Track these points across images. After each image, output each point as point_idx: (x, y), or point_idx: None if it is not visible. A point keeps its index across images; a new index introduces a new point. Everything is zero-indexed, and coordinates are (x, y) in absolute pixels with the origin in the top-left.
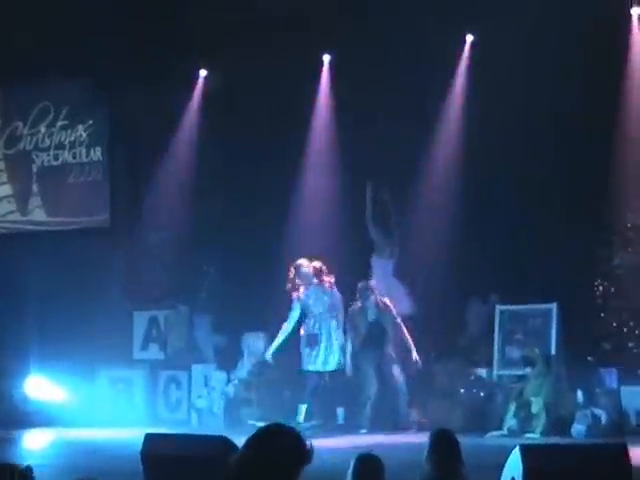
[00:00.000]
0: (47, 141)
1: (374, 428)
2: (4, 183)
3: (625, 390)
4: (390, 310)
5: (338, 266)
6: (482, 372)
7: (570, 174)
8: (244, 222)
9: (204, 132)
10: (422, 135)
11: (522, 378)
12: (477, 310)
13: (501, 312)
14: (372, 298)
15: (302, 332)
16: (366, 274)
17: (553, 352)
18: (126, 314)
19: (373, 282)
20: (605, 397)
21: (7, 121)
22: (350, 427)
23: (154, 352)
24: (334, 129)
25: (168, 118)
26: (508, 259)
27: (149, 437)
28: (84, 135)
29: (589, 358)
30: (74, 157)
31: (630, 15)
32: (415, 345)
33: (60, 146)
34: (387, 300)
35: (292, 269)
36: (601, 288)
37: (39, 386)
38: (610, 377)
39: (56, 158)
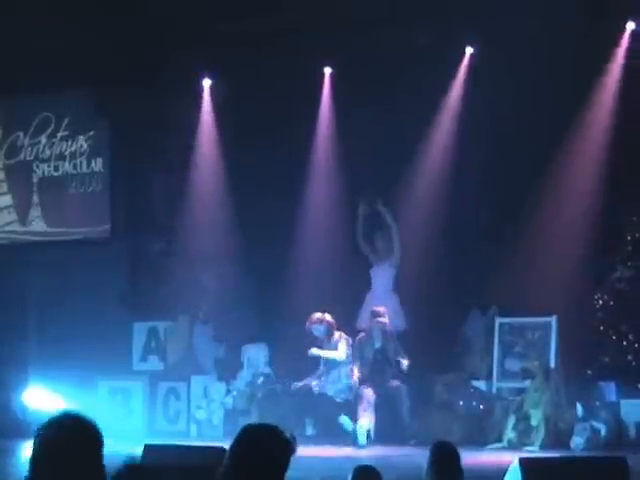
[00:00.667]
0: (48, 152)
1: (376, 441)
2: (4, 193)
3: (624, 403)
4: (392, 333)
5: (342, 277)
6: (481, 384)
7: (569, 187)
8: (245, 233)
9: (206, 143)
10: (420, 147)
11: (521, 391)
12: (476, 322)
13: (501, 325)
14: (380, 326)
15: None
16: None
17: (552, 365)
18: (126, 325)
19: (383, 309)
20: (604, 410)
21: (8, 131)
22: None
23: (154, 363)
24: (336, 141)
25: (169, 129)
26: (508, 271)
27: (148, 448)
28: (85, 146)
29: (588, 371)
30: (75, 168)
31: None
32: (413, 357)
33: (61, 157)
34: (386, 319)
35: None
36: (600, 301)
37: (38, 396)
38: (609, 390)
39: (57, 169)
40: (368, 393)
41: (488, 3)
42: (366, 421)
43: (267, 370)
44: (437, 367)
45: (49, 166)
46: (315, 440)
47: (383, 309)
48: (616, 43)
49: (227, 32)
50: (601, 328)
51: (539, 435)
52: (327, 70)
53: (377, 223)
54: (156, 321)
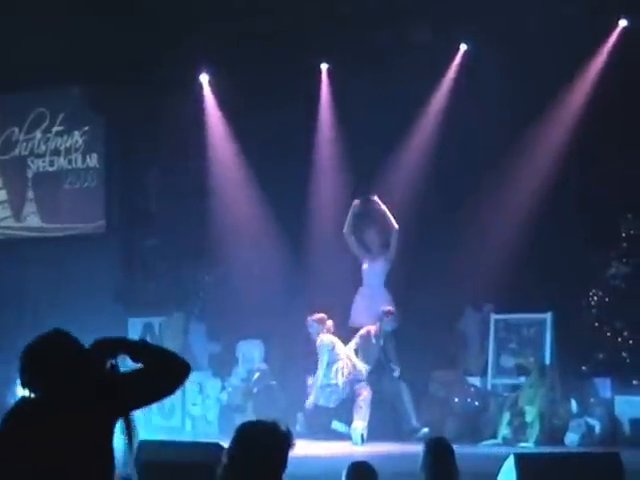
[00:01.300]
0: (43, 147)
1: (377, 437)
2: None
3: (619, 400)
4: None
5: (336, 274)
6: (476, 381)
7: (564, 184)
8: (240, 229)
9: (201, 139)
10: (415, 142)
11: (516, 387)
12: (472, 319)
13: (496, 321)
14: (390, 327)
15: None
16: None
17: (547, 361)
18: (121, 320)
19: (390, 308)
20: (599, 407)
21: (3, 126)
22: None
23: None
24: (337, 137)
25: (164, 125)
26: (503, 268)
27: (143, 444)
28: (80, 141)
29: (583, 368)
30: (70, 163)
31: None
32: (407, 354)
33: (56, 152)
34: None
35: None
36: (595, 298)
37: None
38: (604, 387)
39: (52, 164)
40: (365, 391)
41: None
42: (360, 423)
43: (262, 366)
44: (432, 364)
45: (44, 161)
46: (305, 436)
47: (392, 309)
48: (605, 39)
49: (222, 28)
50: (596, 325)
51: (534, 431)
52: (324, 66)
53: (372, 217)
54: (151, 317)
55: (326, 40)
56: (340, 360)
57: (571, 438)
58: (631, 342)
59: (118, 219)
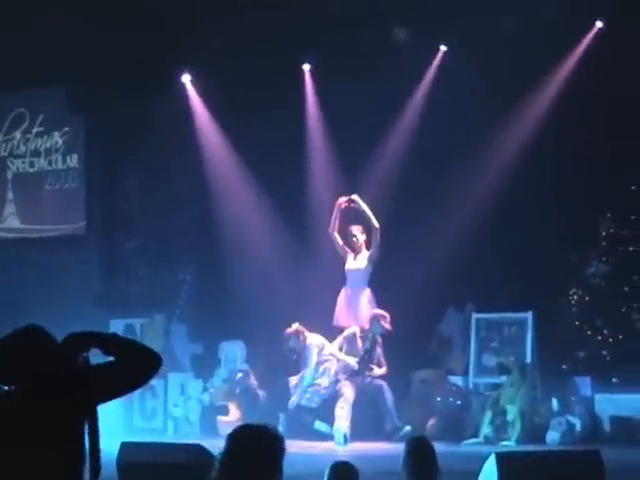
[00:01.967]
0: (22, 148)
1: (359, 437)
2: None
3: (599, 398)
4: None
5: (317, 273)
6: (458, 380)
7: (543, 183)
8: (221, 230)
9: (183, 140)
10: (396, 144)
11: (498, 386)
12: (453, 318)
13: (477, 320)
14: (382, 331)
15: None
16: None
17: (528, 360)
18: (102, 322)
19: (384, 313)
20: (579, 405)
21: None
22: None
23: None
24: (324, 137)
25: (145, 125)
26: (484, 268)
27: (125, 445)
28: (60, 142)
29: (564, 366)
30: (50, 164)
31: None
32: (390, 354)
33: (36, 153)
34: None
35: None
36: (576, 297)
37: None
38: (584, 385)
39: (32, 165)
40: (347, 391)
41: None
42: (342, 422)
43: (244, 367)
44: (414, 363)
45: (24, 162)
46: (288, 436)
47: (387, 314)
48: (581, 39)
49: (204, 28)
50: (576, 323)
51: (515, 430)
52: (306, 67)
53: (354, 216)
54: (132, 318)
55: (308, 41)
56: (328, 361)
57: (552, 436)
58: (611, 340)
59: (99, 220)
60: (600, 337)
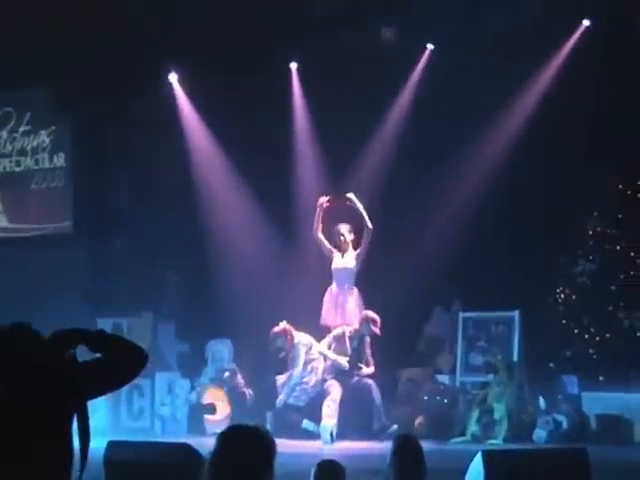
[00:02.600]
0: (9, 147)
1: (347, 435)
2: None
3: (586, 396)
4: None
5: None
6: (445, 379)
7: (531, 182)
8: (208, 229)
9: (171, 138)
10: (383, 143)
11: (485, 385)
12: (440, 317)
13: (464, 319)
14: (371, 333)
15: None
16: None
17: (515, 359)
18: (89, 321)
19: (372, 315)
20: (566, 403)
21: None
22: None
23: None
24: (311, 136)
25: (131, 124)
26: (471, 267)
27: (112, 444)
28: (47, 141)
29: (551, 365)
30: (36, 163)
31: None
32: (377, 353)
33: (22, 152)
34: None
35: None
36: (563, 295)
37: None
38: (571, 383)
39: (18, 164)
40: (335, 390)
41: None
42: (329, 421)
43: (231, 366)
44: (401, 362)
45: (10, 161)
46: (275, 435)
47: (378, 317)
48: (568, 38)
49: (191, 28)
50: (563, 322)
51: (502, 428)
52: (293, 66)
53: (346, 214)
54: (119, 317)
55: (295, 40)
56: (315, 360)
57: (539, 434)
58: (598, 339)
59: (86, 219)
60: (587, 336)
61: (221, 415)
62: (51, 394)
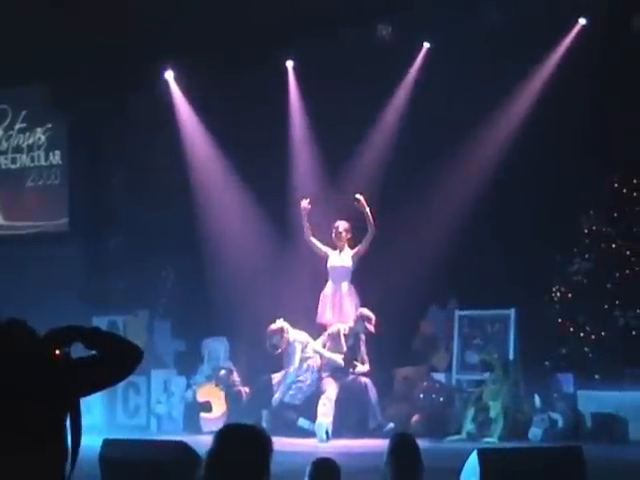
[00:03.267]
0: (5, 144)
1: (342, 433)
2: None
3: (581, 394)
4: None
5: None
6: (441, 377)
7: (527, 180)
8: (205, 227)
9: (168, 136)
10: (380, 140)
11: (481, 383)
12: (436, 315)
13: (460, 317)
14: (366, 332)
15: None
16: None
17: (511, 357)
18: (85, 319)
19: (367, 313)
20: (562, 401)
21: None
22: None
23: None
24: (308, 133)
25: (128, 122)
26: (467, 265)
27: (107, 442)
28: (43, 138)
29: (546, 363)
30: (32, 161)
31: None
32: (373, 350)
33: (18, 149)
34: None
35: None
36: (558, 294)
37: None
38: (567, 381)
39: (14, 162)
40: (330, 388)
41: None
42: (325, 419)
43: (227, 364)
44: (397, 360)
45: (6, 159)
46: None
47: (373, 316)
48: (564, 37)
49: (187, 25)
50: (559, 320)
51: (498, 426)
52: (289, 63)
53: (348, 212)
54: (115, 315)
55: (292, 38)
56: (311, 358)
57: (534, 433)
58: (593, 337)
59: (82, 217)
60: (582, 334)
61: (217, 413)
62: (46, 391)
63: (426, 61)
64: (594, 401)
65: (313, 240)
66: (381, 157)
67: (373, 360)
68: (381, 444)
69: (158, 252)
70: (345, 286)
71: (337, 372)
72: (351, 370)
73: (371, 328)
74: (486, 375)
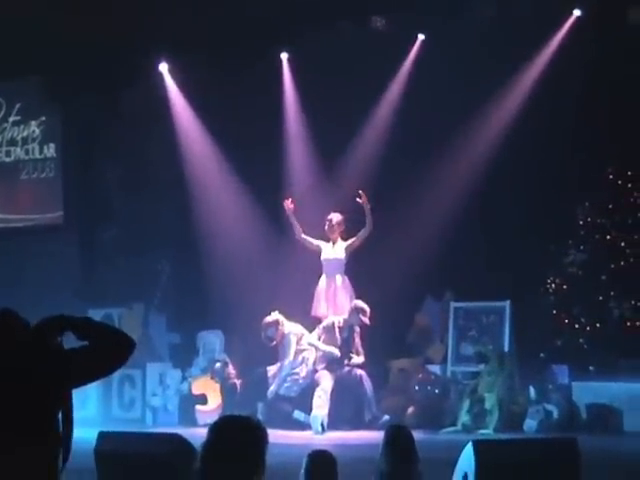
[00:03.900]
0: None
1: (338, 425)
2: None
3: (576, 386)
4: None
5: (292, 264)
6: (436, 369)
7: (522, 172)
8: (199, 220)
9: (160, 129)
10: (375, 132)
11: (476, 375)
12: (431, 307)
13: (455, 309)
14: (361, 324)
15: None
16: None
17: (506, 349)
18: (80, 312)
19: (362, 305)
20: (557, 393)
21: None
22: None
23: None
24: (302, 125)
25: (122, 114)
26: (462, 256)
27: (102, 435)
28: (37, 131)
29: (541, 354)
30: (27, 153)
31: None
32: (369, 342)
33: (12, 142)
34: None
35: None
36: (553, 285)
37: None
38: (562, 373)
39: (8, 154)
40: (325, 380)
41: None
42: (320, 411)
43: (223, 356)
44: (392, 352)
45: (0, 152)
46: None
47: (367, 307)
48: (559, 28)
49: (181, 17)
50: (554, 312)
51: (493, 418)
52: (284, 55)
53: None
54: (110, 308)
55: (286, 30)
56: (306, 350)
57: (529, 424)
58: (588, 329)
59: (76, 210)
60: (577, 325)
61: (212, 406)
62: (37, 381)
63: (420, 53)
64: (589, 392)
65: (304, 237)
66: (376, 149)
67: (368, 352)
68: (376, 436)
69: (153, 245)
70: (339, 278)
71: (332, 364)
72: (346, 362)
73: (366, 320)
74: (481, 367)
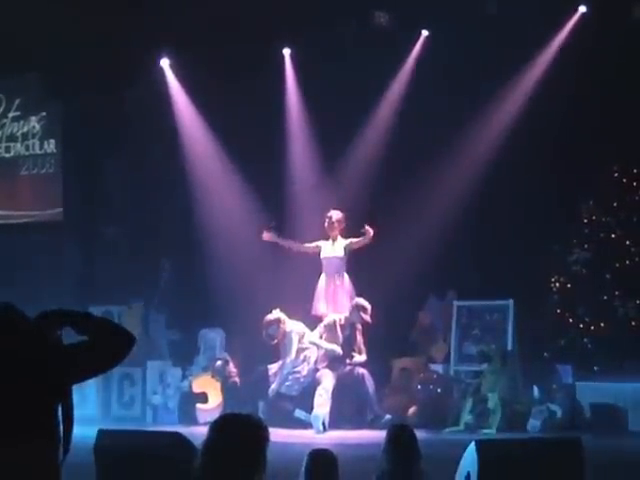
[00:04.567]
0: None
1: (340, 424)
2: None
3: (580, 385)
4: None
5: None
6: (439, 368)
7: (526, 170)
8: (200, 217)
9: (161, 125)
10: (377, 129)
11: (479, 374)
12: (434, 306)
13: (458, 308)
14: (362, 322)
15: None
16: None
17: (509, 348)
18: (80, 309)
19: (363, 303)
20: (560, 392)
21: None
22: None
23: None
24: (305, 121)
25: (123, 110)
26: (465, 255)
27: (102, 433)
28: (37, 127)
29: (545, 354)
30: (27, 149)
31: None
32: (371, 341)
33: (12, 138)
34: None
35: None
36: (557, 284)
37: None
38: (565, 372)
39: (8, 150)
40: (327, 379)
41: None
42: (321, 410)
43: (223, 354)
44: (395, 351)
45: (0, 147)
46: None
47: (368, 305)
48: (564, 24)
49: (183, 13)
50: (558, 311)
51: (496, 418)
52: (286, 51)
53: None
54: (111, 306)
55: (289, 25)
56: (308, 349)
57: (533, 424)
58: (592, 328)
59: (76, 207)
60: (581, 325)
61: (213, 404)
62: (36, 376)
63: (423, 51)
64: (593, 392)
65: (301, 247)
66: (379, 145)
67: (371, 351)
68: (378, 435)
69: (154, 243)
70: (339, 277)
71: (334, 363)
72: (348, 360)
73: (367, 318)
74: (484, 366)
